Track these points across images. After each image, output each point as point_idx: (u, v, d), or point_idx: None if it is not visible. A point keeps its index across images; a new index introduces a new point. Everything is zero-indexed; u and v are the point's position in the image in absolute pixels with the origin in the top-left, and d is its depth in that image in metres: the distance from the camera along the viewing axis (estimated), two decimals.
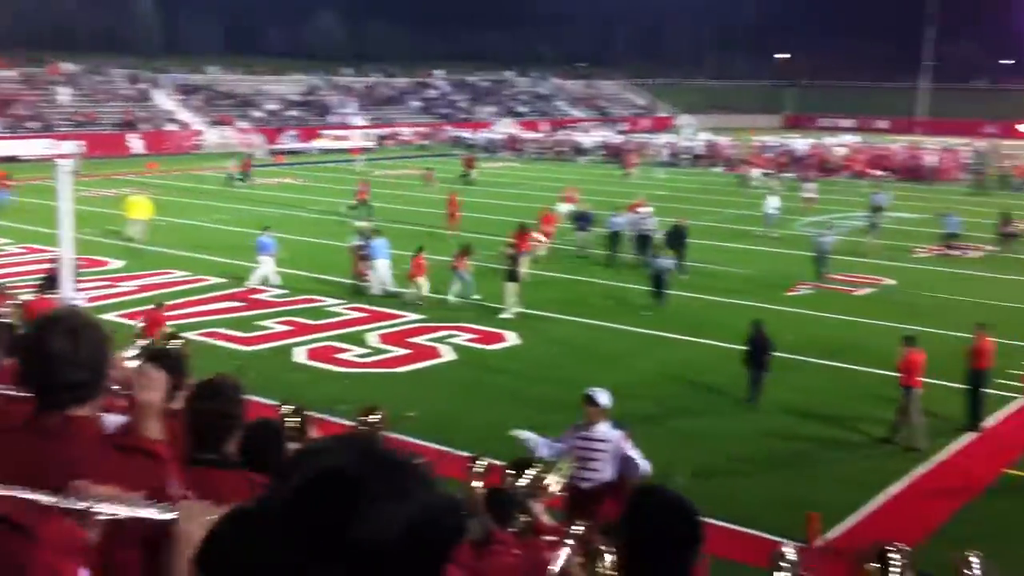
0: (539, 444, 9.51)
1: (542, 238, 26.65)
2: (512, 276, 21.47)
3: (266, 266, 23.44)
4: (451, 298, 21.86)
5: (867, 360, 17.86)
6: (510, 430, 9.51)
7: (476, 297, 22.03)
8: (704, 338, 19.56)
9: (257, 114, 69.56)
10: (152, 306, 17.78)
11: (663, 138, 64.90)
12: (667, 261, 21.76)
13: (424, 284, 21.90)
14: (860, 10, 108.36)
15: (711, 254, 27.22)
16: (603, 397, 9.52)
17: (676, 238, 25.76)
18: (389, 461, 1.40)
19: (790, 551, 4.28)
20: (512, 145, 62.96)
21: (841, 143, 59.57)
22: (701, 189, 44.82)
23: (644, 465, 9.22)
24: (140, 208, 29.56)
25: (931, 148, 55.95)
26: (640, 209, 27.63)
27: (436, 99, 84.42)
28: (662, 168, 53.71)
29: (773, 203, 32.83)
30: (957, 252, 28.80)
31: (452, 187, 37.86)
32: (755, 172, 47.63)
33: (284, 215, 33.69)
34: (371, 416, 7.27)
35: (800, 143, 58.88)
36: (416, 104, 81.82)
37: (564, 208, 33.06)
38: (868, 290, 24.41)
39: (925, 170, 49.79)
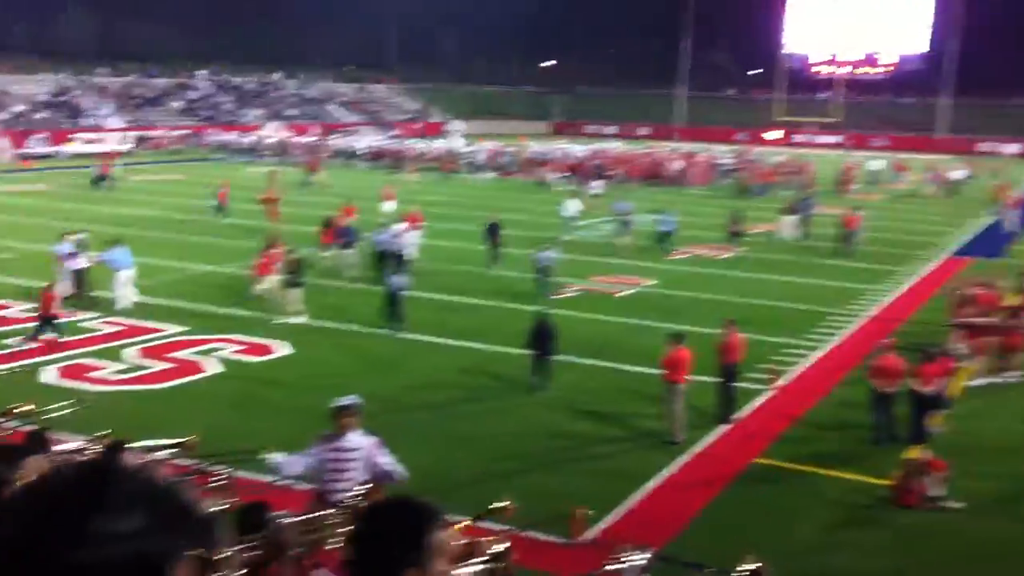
0: (290, 463, 9.34)
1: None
2: (294, 282, 21.05)
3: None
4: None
5: (631, 358, 18.59)
6: (261, 453, 9.23)
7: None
8: (476, 342, 19.78)
9: (2, 116, 64.76)
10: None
11: (483, 145, 64.93)
12: (402, 279, 21.43)
13: (270, 282, 21.84)
14: (621, 20, 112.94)
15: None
16: (353, 405, 9.46)
17: (492, 233, 27.39)
18: (119, 481, 1.34)
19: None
20: (283, 150, 61.40)
21: (612, 148, 62.11)
22: (500, 196, 44.34)
23: (399, 471, 9.17)
24: None
25: (686, 153, 58.92)
26: (395, 227, 26.40)
27: (198, 100, 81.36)
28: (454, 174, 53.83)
29: (573, 206, 33.64)
30: (676, 255, 30.18)
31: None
32: (551, 176, 49.26)
33: (31, 224, 31.49)
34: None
35: (578, 148, 60.87)
36: (177, 105, 78.57)
37: (388, 206, 32.66)
38: (630, 291, 25.41)
39: (677, 175, 52.41)
